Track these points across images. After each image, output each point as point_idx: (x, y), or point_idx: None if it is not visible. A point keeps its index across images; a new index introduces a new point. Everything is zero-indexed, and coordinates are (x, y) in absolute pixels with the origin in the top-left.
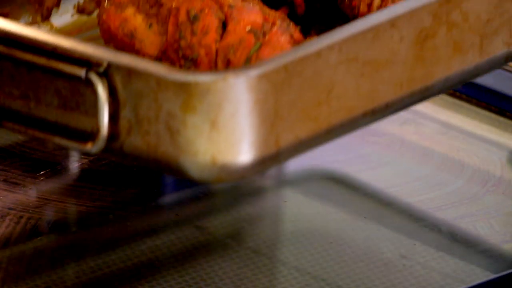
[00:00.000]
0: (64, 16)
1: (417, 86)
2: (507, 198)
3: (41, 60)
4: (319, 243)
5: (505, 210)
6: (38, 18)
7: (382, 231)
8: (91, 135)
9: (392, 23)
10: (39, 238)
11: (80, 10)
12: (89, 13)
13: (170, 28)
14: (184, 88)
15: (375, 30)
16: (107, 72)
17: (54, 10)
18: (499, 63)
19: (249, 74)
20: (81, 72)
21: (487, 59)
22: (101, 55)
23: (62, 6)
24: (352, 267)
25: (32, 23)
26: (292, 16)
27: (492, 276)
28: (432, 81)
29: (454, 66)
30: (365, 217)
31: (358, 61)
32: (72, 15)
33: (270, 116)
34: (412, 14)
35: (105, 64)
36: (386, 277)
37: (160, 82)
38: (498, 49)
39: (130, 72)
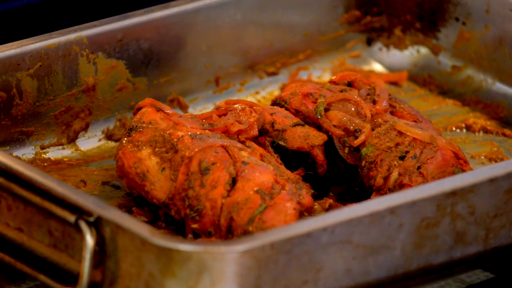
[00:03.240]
0: (91, 140)
1: (413, 272)
2: None
3: (36, 199)
4: None
5: None
6: (64, 140)
7: None
8: (75, 279)
9: (392, 210)
10: None
11: (109, 136)
12: (117, 140)
13: (180, 176)
14: (165, 253)
15: (373, 216)
16: (97, 223)
17: (81, 133)
18: (505, 254)
19: (232, 249)
20: (71, 218)
21: (492, 251)
22: (92, 206)
23: (90, 129)
24: None
25: (57, 144)
26: (312, 176)
27: (492, 276)
28: (429, 268)
29: (455, 256)
30: None
31: (351, 244)
32: (100, 140)
33: None
34: (414, 203)
35: (95, 215)
36: None
37: (144, 242)
38: (504, 242)
39: (117, 227)
